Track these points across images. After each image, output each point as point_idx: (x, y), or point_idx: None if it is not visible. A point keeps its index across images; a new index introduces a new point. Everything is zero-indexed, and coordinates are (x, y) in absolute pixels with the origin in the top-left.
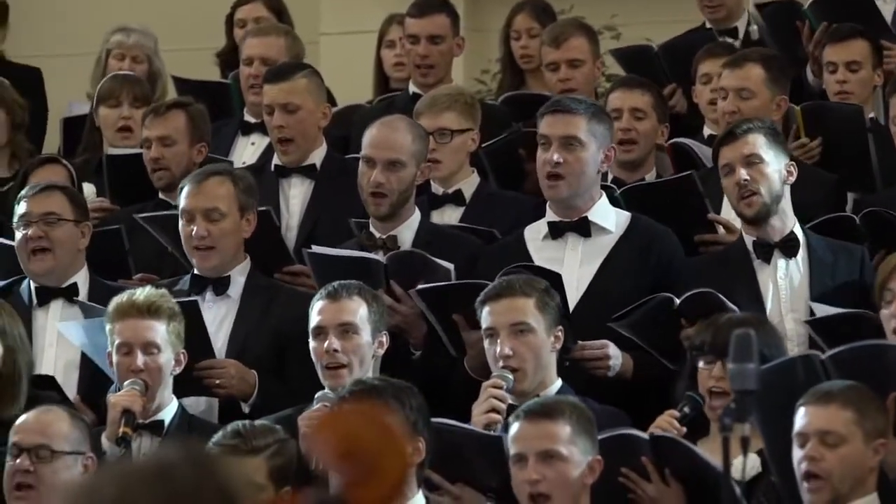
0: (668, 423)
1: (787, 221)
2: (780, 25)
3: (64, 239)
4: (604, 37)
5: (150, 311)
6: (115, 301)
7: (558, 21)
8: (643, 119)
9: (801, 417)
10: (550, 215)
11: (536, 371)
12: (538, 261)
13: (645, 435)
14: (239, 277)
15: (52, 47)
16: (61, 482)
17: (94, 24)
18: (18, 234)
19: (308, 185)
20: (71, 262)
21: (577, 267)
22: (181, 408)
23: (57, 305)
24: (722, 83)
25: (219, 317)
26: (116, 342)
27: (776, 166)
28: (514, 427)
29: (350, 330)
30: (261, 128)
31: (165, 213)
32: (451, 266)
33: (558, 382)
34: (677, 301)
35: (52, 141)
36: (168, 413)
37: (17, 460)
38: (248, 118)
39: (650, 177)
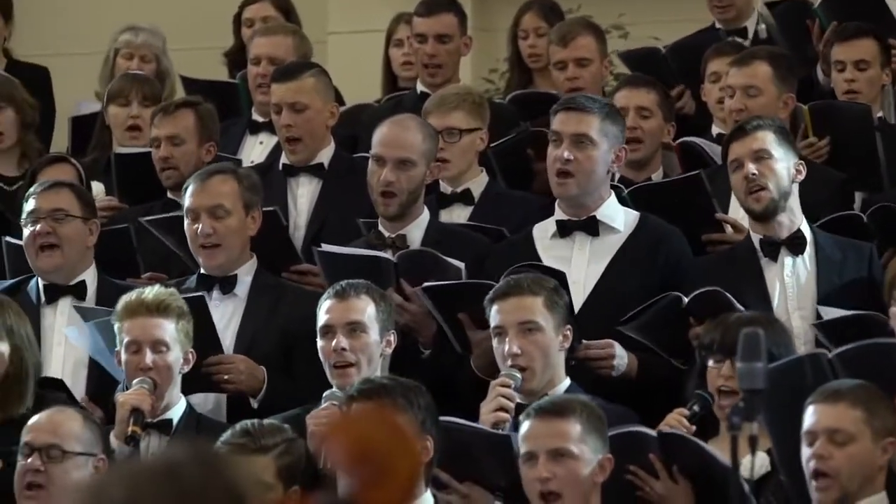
0: (677, 422)
1: (794, 219)
2: (790, 24)
3: (72, 235)
4: (611, 36)
5: (159, 309)
6: (124, 299)
7: (566, 20)
8: (649, 118)
9: (809, 416)
10: (559, 214)
11: (545, 370)
12: (546, 259)
13: (653, 432)
14: (245, 276)
15: (60, 46)
16: (72, 483)
17: (101, 24)
18: (26, 231)
19: (316, 184)
20: (79, 260)
21: (584, 266)
22: (189, 407)
23: (65, 303)
24: (729, 81)
25: (226, 315)
26: (125, 340)
27: (785, 164)
28: (525, 425)
29: (358, 329)
30: (269, 127)
31: (170, 215)
32: (461, 265)
33: (567, 381)
34: (685, 300)
35: (60, 140)
36: (176, 412)
37: (29, 460)
38: (257, 117)
39: (657, 176)
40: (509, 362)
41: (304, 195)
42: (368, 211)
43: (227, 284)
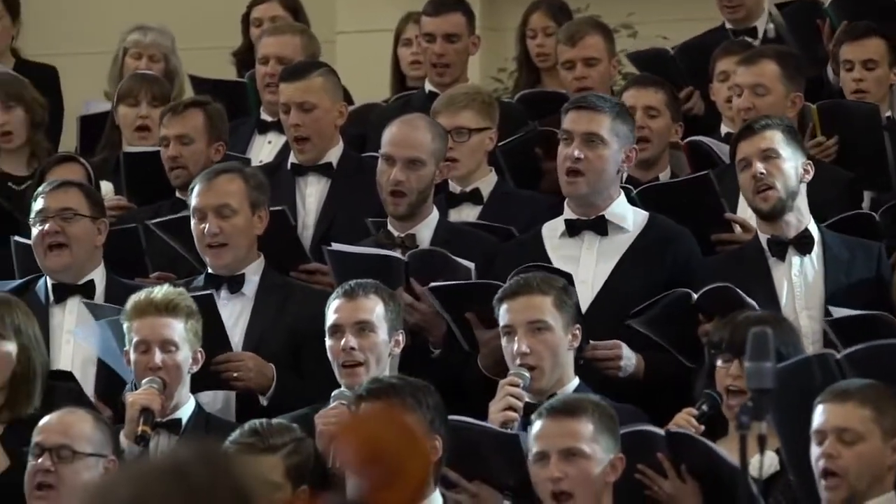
0: (685, 422)
1: (802, 219)
2: (800, 24)
3: (80, 235)
4: (620, 35)
5: (167, 308)
6: (133, 299)
7: (574, 19)
8: (656, 117)
9: (818, 415)
10: (568, 213)
11: (553, 369)
12: (555, 258)
13: (661, 431)
14: (253, 276)
15: (68, 46)
16: (82, 483)
17: (110, 23)
18: (35, 230)
19: (324, 183)
20: (87, 259)
21: (592, 265)
22: (198, 406)
23: (73, 303)
24: (736, 80)
25: (234, 315)
26: (134, 340)
27: (793, 163)
28: (537, 425)
29: (367, 328)
30: (277, 126)
31: (176, 216)
32: (471, 265)
33: (575, 381)
34: (695, 296)
35: (69, 139)
36: (185, 411)
37: (39, 460)
38: (265, 117)
39: (664, 175)
40: (518, 361)
41: (312, 195)
42: (377, 210)
43: (234, 284)
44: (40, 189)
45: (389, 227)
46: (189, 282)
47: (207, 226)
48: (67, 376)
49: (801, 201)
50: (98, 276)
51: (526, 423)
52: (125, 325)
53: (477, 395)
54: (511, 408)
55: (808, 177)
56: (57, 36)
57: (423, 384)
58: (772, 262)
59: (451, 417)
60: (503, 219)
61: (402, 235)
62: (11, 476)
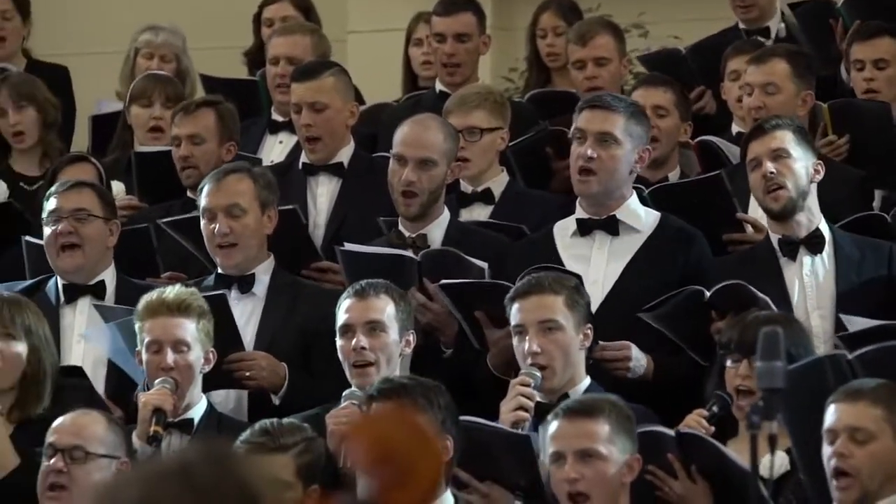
0: (696, 423)
1: (813, 219)
2: (813, 24)
3: (93, 235)
4: (631, 35)
5: (179, 308)
6: (145, 299)
7: (585, 19)
8: (665, 116)
9: (830, 414)
10: (579, 212)
11: (565, 369)
12: (566, 258)
13: (671, 432)
14: (263, 275)
15: (80, 46)
16: (94, 484)
17: (121, 23)
18: (47, 230)
19: (336, 183)
20: (99, 260)
21: (603, 265)
22: (210, 406)
23: (84, 303)
24: (747, 79)
25: (245, 315)
26: (146, 340)
27: (803, 163)
28: (553, 425)
29: (377, 328)
30: (289, 126)
31: (187, 216)
32: (484, 265)
33: (587, 380)
34: (707, 293)
35: (80, 139)
36: (197, 412)
37: (52, 460)
38: (276, 117)
39: (674, 175)
40: (529, 361)
41: (323, 194)
42: (388, 210)
43: (245, 284)
44: (53, 189)
45: (400, 228)
46: (199, 281)
47: (217, 226)
48: (78, 372)
49: (812, 201)
50: (109, 276)
51: (537, 423)
52: (137, 326)
53: (488, 394)
54: (522, 408)
55: (819, 177)
56: (68, 36)
57: (434, 384)
58: (783, 262)
59: (462, 417)
60: (514, 219)
61: (414, 235)
62: (22, 475)
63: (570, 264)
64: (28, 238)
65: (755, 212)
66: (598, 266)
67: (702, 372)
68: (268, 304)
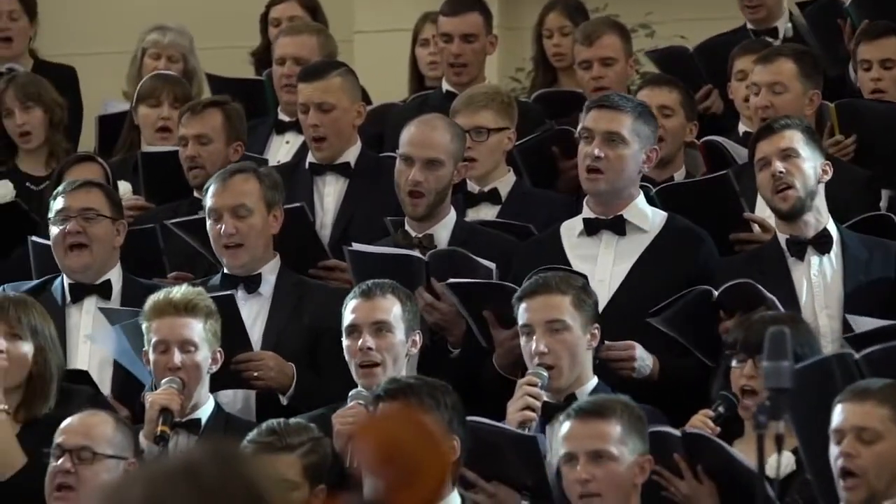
0: (701, 423)
1: (821, 219)
2: (821, 24)
3: (101, 235)
4: (638, 35)
5: (186, 308)
6: (152, 299)
7: (591, 19)
8: (671, 116)
9: (837, 414)
10: (586, 212)
11: (572, 368)
12: (572, 258)
13: (677, 432)
14: (269, 275)
15: (87, 46)
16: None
17: (128, 23)
18: (55, 230)
19: (342, 182)
20: (106, 260)
21: (610, 265)
22: (218, 406)
23: (90, 303)
24: (754, 78)
25: (251, 315)
26: (153, 340)
27: (812, 163)
28: (565, 426)
29: (384, 328)
30: (295, 126)
31: (195, 217)
32: (492, 265)
33: (594, 380)
34: (716, 293)
35: (87, 139)
36: (205, 412)
37: (59, 461)
38: (283, 117)
39: (679, 175)
40: (536, 361)
41: (330, 194)
42: (395, 210)
43: (251, 284)
44: (60, 188)
45: (407, 228)
46: (205, 281)
47: (224, 226)
48: (84, 377)
49: (820, 201)
50: (115, 276)
51: (544, 423)
52: (144, 326)
53: (495, 394)
54: (529, 408)
55: (827, 177)
56: (74, 36)
57: (441, 384)
58: (791, 262)
59: (469, 418)
60: (521, 218)
61: (420, 236)
62: (28, 475)
63: (577, 264)
64: (34, 238)
65: (762, 211)
66: (605, 266)
67: (708, 372)
68: (274, 304)
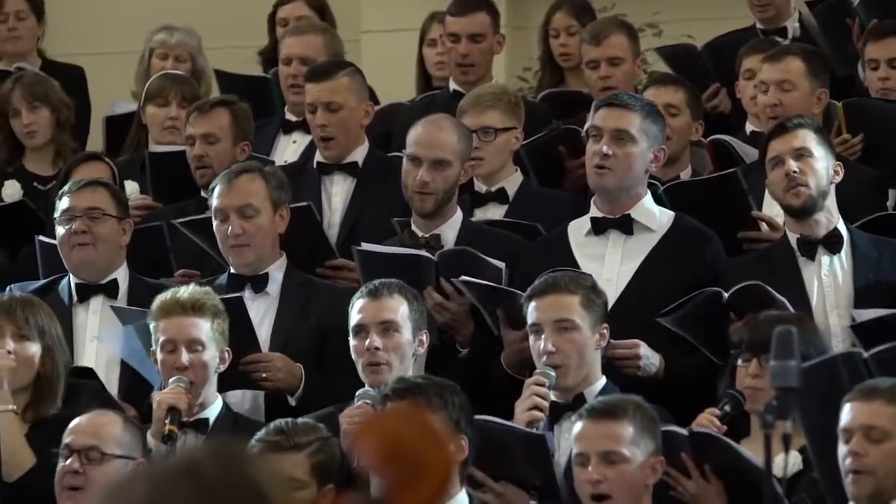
0: (708, 421)
1: (831, 218)
2: (831, 23)
3: (107, 234)
4: (645, 34)
5: (194, 308)
6: (160, 299)
7: (599, 19)
8: (676, 115)
9: (846, 413)
10: (594, 211)
11: (580, 368)
12: (579, 257)
13: (684, 431)
14: (277, 274)
15: (94, 45)
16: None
17: (136, 23)
18: (61, 229)
19: (350, 182)
20: (112, 259)
21: (617, 264)
22: (226, 406)
23: (97, 302)
24: (762, 77)
25: (259, 315)
26: (161, 339)
27: (825, 163)
28: (577, 426)
29: (391, 328)
30: (302, 126)
31: (202, 216)
32: (502, 265)
33: (602, 380)
34: (726, 295)
35: (95, 139)
36: (213, 411)
37: (68, 461)
38: (290, 117)
39: (685, 174)
40: (544, 360)
41: (338, 194)
42: (402, 210)
43: (258, 283)
44: (66, 188)
45: (413, 228)
46: (211, 280)
47: (230, 227)
48: (88, 373)
49: (831, 201)
50: (121, 275)
51: (552, 423)
52: (152, 325)
53: (503, 394)
54: (537, 407)
55: (838, 178)
56: (82, 36)
57: (449, 384)
58: (801, 262)
59: (477, 417)
60: (529, 218)
61: (427, 236)
62: (37, 475)
63: (584, 263)
64: (41, 238)
65: (770, 210)
66: (612, 265)
67: (715, 371)
68: (282, 304)
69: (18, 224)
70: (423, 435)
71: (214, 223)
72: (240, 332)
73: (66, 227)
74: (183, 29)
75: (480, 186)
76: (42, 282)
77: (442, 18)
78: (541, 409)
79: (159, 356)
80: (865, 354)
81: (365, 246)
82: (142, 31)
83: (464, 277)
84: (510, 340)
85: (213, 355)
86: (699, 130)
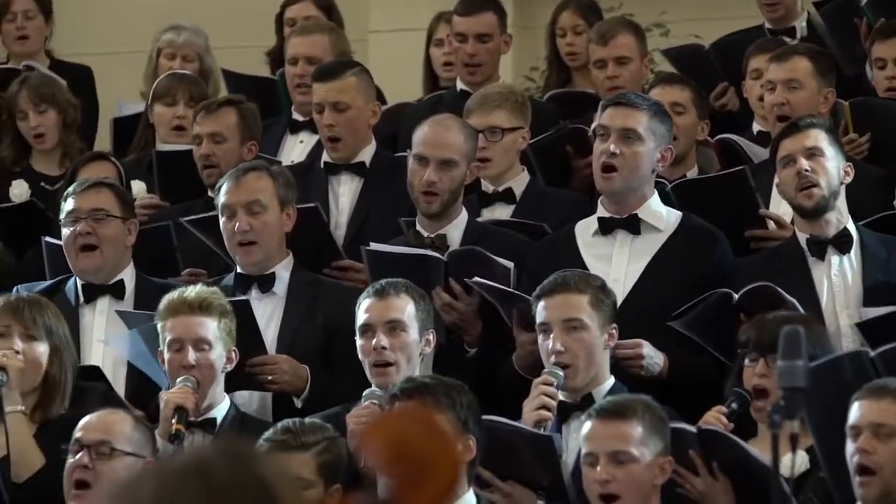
0: (715, 419)
1: (841, 218)
2: (838, 23)
3: (112, 236)
4: (652, 34)
5: (201, 307)
6: (167, 298)
7: (606, 19)
8: (682, 114)
9: (854, 411)
10: (601, 211)
11: (588, 368)
12: (587, 257)
13: (692, 428)
14: (283, 273)
15: (102, 45)
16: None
17: (144, 22)
18: (66, 231)
19: (357, 182)
20: (118, 260)
21: (625, 264)
22: (234, 406)
23: (103, 303)
24: (769, 76)
25: (266, 315)
26: (168, 339)
27: (836, 163)
28: (586, 426)
29: (398, 327)
30: (309, 126)
31: (210, 214)
32: (510, 264)
33: (611, 380)
34: (735, 296)
35: (103, 138)
36: (220, 411)
37: (77, 456)
38: (297, 116)
39: (692, 174)
40: (553, 359)
41: (345, 194)
42: (409, 210)
43: (265, 283)
44: (71, 189)
45: (418, 228)
46: (218, 280)
47: (238, 223)
48: (96, 372)
49: (841, 201)
50: (128, 275)
51: (560, 423)
52: (159, 325)
53: (512, 394)
54: (545, 407)
55: (849, 178)
56: (90, 36)
57: (457, 384)
58: (811, 262)
59: (484, 417)
60: (536, 217)
61: (432, 236)
62: (46, 476)
63: (592, 263)
64: (48, 239)
65: (777, 209)
66: (620, 265)
67: (723, 371)
68: (289, 304)
69: (27, 224)
70: (431, 435)
71: (221, 220)
72: (246, 335)
73: (71, 229)
74: (191, 29)
75: (487, 186)
76: (48, 282)
77: (449, 18)
78: (549, 409)
79: (166, 355)
80: (872, 353)
81: (373, 246)
82: (149, 31)
83: (476, 279)
84: (522, 341)
85: (220, 355)
86: (705, 129)
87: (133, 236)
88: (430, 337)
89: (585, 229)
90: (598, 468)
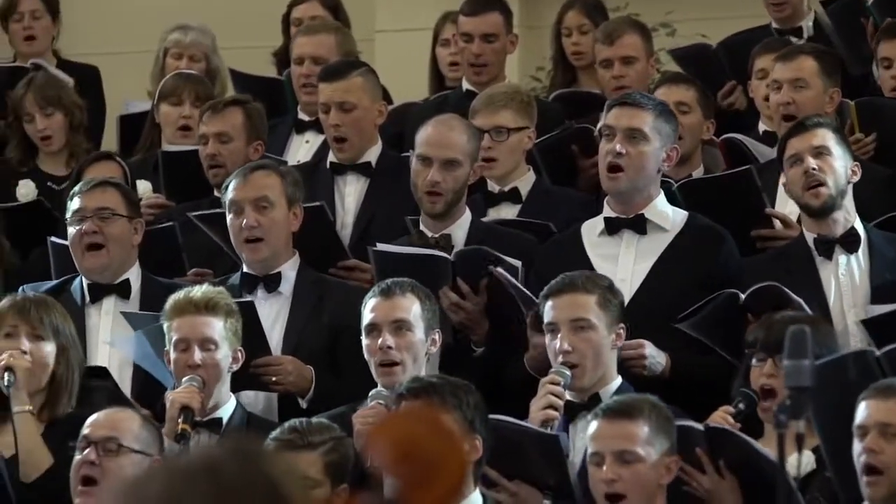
0: (722, 419)
1: (849, 218)
2: (845, 23)
3: (118, 235)
4: (658, 34)
5: (207, 307)
6: (173, 298)
7: (612, 19)
8: (688, 113)
9: (861, 411)
10: (607, 211)
11: (595, 368)
12: (593, 257)
13: (700, 426)
14: (289, 273)
15: (109, 45)
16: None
17: (151, 22)
18: (72, 230)
19: (363, 182)
20: (124, 259)
21: (631, 264)
22: (240, 405)
23: (109, 302)
24: (775, 76)
25: (272, 314)
26: (174, 339)
27: (843, 163)
28: (593, 425)
29: (403, 327)
30: (315, 126)
31: (218, 210)
32: (518, 263)
33: (618, 380)
34: (742, 297)
35: (110, 139)
36: (226, 411)
37: (85, 452)
38: (302, 116)
39: (697, 173)
40: (560, 359)
41: (351, 194)
42: (415, 210)
43: (271, 283)
44: (76, 188)
45: (422, 228)
46: (224, 280)
47: (245, 220)
48: (102, 372)
49: (849, 201)
50: (134, 275)
51: (567, 422)
52: (165, 325)
53: (519, 394)
54: (552, 406)
55: (856, 178)
56: (97, 35)
57: (463, 383)
58: (819, 262)
59: (491, 416)
60: (542, 217)
61: (437, 236)
62: (54, 476)
63: (598, 263)
64: (53, 239)
65: (783, 208)
66: (626, 265)
67: (730, 371)
68: (294, 303)
69: (33, 224)
70: (437, 434)
71: (228, 217)
72: (251, 336)
73: (77, 228)
74: (197, 28)
75: (493, 186)
76: (54, 282)
77: (455, 18)
78: (556, 409)
79: (172, 355)
80: (878, 352)
81: (380, 246)
82: (156, 31)
83: (500, 270)
84: (535, 343)
85: (226, 354)
86: (711, 129)
87: (139, 236)
88: (436, 336)
89: (591, 229)
90: (604, 468)
